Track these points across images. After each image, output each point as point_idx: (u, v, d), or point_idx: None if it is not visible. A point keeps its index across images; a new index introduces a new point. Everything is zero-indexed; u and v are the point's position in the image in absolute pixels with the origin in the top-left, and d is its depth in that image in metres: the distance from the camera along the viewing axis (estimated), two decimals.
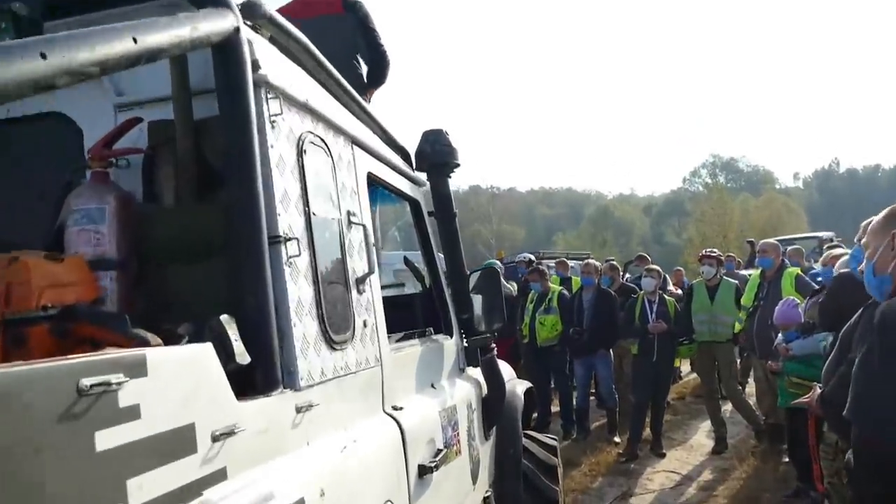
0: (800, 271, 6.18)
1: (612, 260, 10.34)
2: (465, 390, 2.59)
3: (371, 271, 1.81)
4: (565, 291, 8.01)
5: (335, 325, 1.57)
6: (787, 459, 6.09)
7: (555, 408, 8.11)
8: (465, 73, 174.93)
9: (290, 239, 1.41)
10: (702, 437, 7.50)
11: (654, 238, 76.23)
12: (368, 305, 1.81)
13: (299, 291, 1.43)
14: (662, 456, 6.74)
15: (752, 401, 7.53)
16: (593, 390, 8.32)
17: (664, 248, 64.28)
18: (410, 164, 2.65)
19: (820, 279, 5.55)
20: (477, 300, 2.76)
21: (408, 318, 2.79)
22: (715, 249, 7.16)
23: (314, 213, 1.55)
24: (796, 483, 5.27)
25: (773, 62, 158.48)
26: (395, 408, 1.88)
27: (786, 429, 5.54)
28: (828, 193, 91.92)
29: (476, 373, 2.84)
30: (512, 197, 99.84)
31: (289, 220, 1.43)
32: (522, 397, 3.18)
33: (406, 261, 3.08)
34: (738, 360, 7.27)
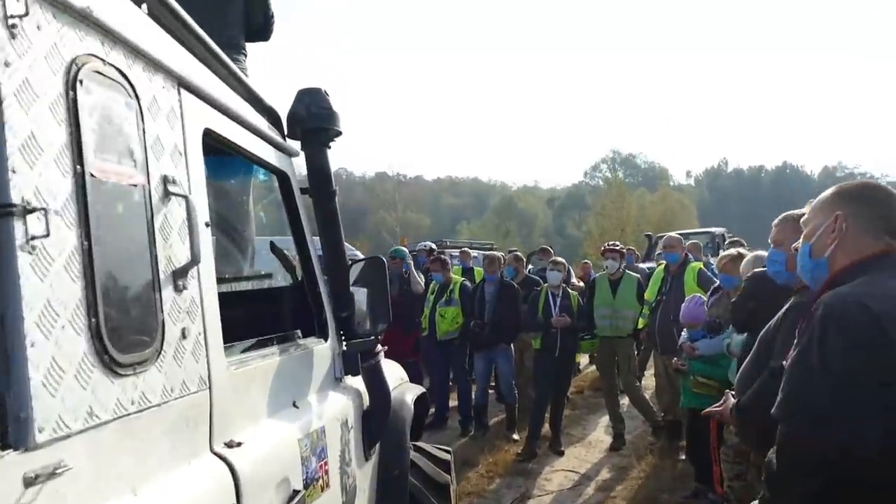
0: (702, 266, 6.08)
1: (516, 251, 10.12)
2: (339, 406, 2.13)
3: (195, 261, 1.30)
4: (467, 282, 7.67)
5: (124, 340, 1.07)
6: (684, 457, 6.00)
7: (453, 402, 7.78)
8: (376, 58, 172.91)
9: (32, 210, 0.90)
10: (600, 432, 7.36)
11: (555, 230, 78.10)
12: (192, 308, 1.32)
13: (50, 291, 0.92)
14: (561, 454, 6.53)
15: (648, 394, 7.48)
16: (493, 384, 8.08)
17: (566, 241, 65.89)
18: (281, 130, 2.15)
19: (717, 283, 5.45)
20: (363, 296, 2.31)
21: (271, 318, 2.30)
22: (617, 243, 6.99)
23: (92, 175, 1.04)
24: (695, 484, 5.14)
25: (671, 65, 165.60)
26: (229, 444, 1.39)
27: (686, 428, 5.41)
28: (716, 191, 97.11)
29: (357, 382, 2.39)
30: (418, 185, 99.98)
31: (35, 182, 0.92)
32: (412, 406, 2.76)
33: (273, 247, 2.55)
34: (637, 355, 7.16)
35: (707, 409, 2.95)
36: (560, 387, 6.66)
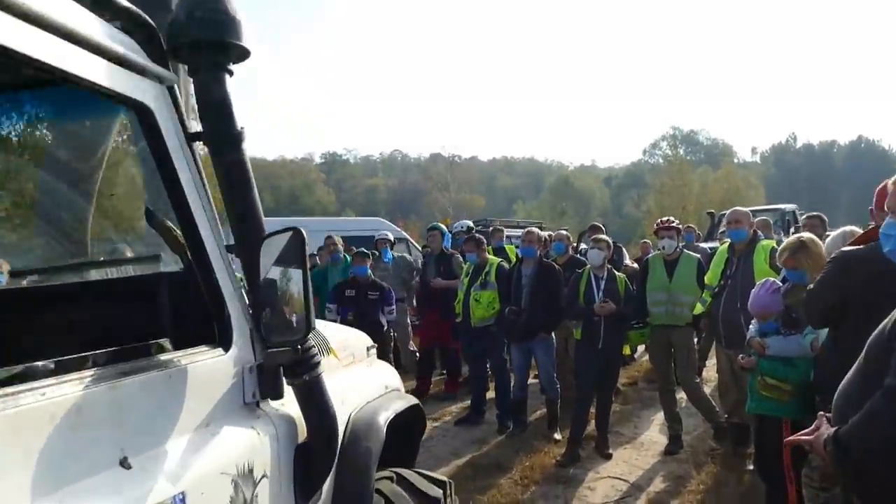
0: (775, 244, 5.18)
1: (566, 229, 9.32)
2: (235, 449, 1.45)
3: None
4: (505, 264, 6.94)
5: None
6: (752, 467, 5.16)
7: (491, 394, 7.09)
8: (430, 40, 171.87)
9: None
10: (654, 432, 6.56)
11: (613, 209, 76.22)
12: None
13: None
14: (608, 457, 5.77)
15: (708, 390, 6.62)
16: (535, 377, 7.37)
17: (623, 220, 64.19)
18: (155, 45, 1.48)
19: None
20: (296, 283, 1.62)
21: (131, 321, 1.65)
22: (673, 218, 6.12)
23: None
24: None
25: (735, 38, 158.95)
26: None
27: (753, 436, 4.58)
28: (784, 168, 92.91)
29: (289, 406, 1.71)
30: (473, 166, 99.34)
31: None
32: (383, 428, 2.06)
33: (150, 217, 1.83)
34: (696, 347, 6.30)
35: (793, 437, 2.18)
36: (606, 382, 5.88)
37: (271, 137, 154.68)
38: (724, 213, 17.56)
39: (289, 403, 1.69)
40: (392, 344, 8.86)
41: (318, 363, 1.65)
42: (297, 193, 79.69)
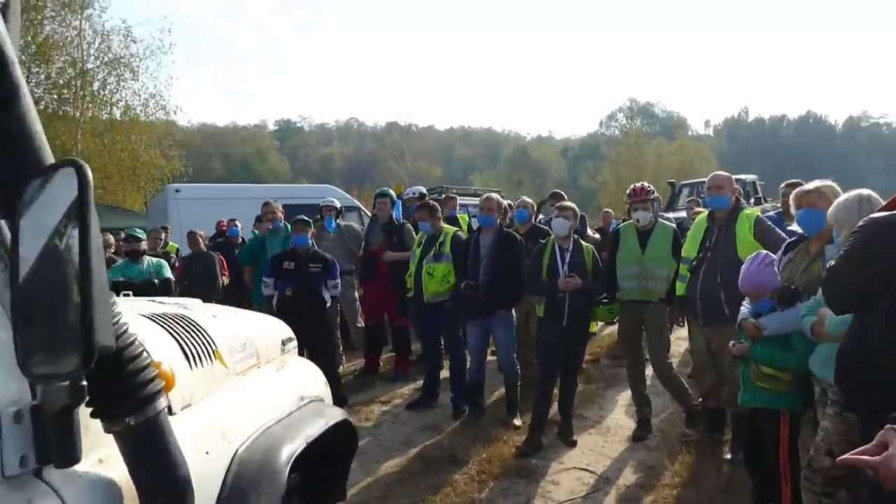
0: (759, 212, 4.67)
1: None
2: None
3: None
4: (461, 233, 6.32)
5: None
6: (729, 457, 4.72)
7: (445, 374, 6.51)
8: (388, 8, 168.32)
9: None
10: (620, 414, 6.09)
11: (569, 181, 76.22)
12: None
13: None
14: (573, 444, 5.27)
15: (677, 365, 6.16)
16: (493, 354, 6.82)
17: (580, 192, 64.21)
18: None
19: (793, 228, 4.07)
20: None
21: None
22: (649, 185, 5.55)
23: None
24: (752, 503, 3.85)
25: (692, 12, 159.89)
26: None
27: (741, 427, 4.12)
28: (736, 141, 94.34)
29: (106, 465, 1.06)
30: (430, 135, 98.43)
31: None
32: (285, 470, 1.43)
33: None
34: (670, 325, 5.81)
35: (849, 457, 1.61)
36: (570, 363, 5.36)
37: (223, 103, 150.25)
38: (687, 184, 17.33)
39: (110, 460, 1.04)
40: (339, 319, 8.22)
41: (155, 395, 1.00)
42: (250, 161, 77.95)
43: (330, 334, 6.23)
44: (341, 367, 8.04)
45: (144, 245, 6.77)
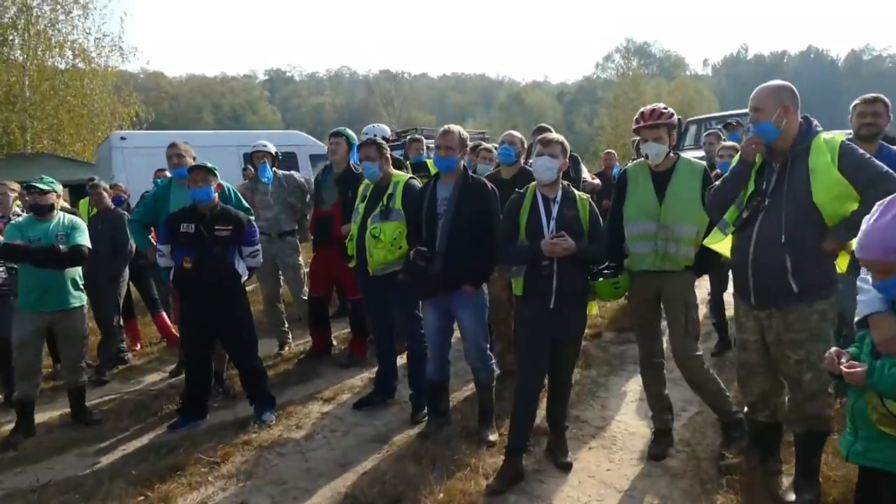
0: (843, 137, 3.11)
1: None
2: None
3: None
4: (416, 181, 4.77)
5: None
6: (792, 498, 3.28)
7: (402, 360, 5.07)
8: None
9: None
10: (630, 416, 4.65)
11: (566, 125, 74.12)
12: None
13: None
14: (567, 467, 3.85)
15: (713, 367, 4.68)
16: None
17: (576, 137, 62.32)
18: None
19: None
20: None
21: None
22: (665, 106, 3.96)
23: None
24: None
25: None
26: None
27: (856, 493, 2.67)
28: (736, 80, 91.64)
29: None
30: (423, 83, 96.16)
31: None
32: None
33: None
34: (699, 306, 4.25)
35: None
36: (561, 360, 3.87)
37: (212, 53, 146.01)
38: (694, 120, 15.64)
39: None
40: (279, 291, 6.75)
41: None
42: (240, 112, 76.67)
43: (244, 318, 4.73)
44: (287, 348, 6.61)
45: (56, 199, 5.08)
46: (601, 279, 3.77)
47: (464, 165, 4.18)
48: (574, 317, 3.78)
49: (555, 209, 3.67)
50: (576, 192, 3.82)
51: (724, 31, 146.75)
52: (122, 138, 12.86)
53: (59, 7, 17.92)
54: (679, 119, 10.62)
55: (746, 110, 3.34)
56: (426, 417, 4.54)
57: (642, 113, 3.87)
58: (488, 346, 4.26)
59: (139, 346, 7.30)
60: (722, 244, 3.40)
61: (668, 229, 3.73)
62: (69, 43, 18.13)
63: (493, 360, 4.29)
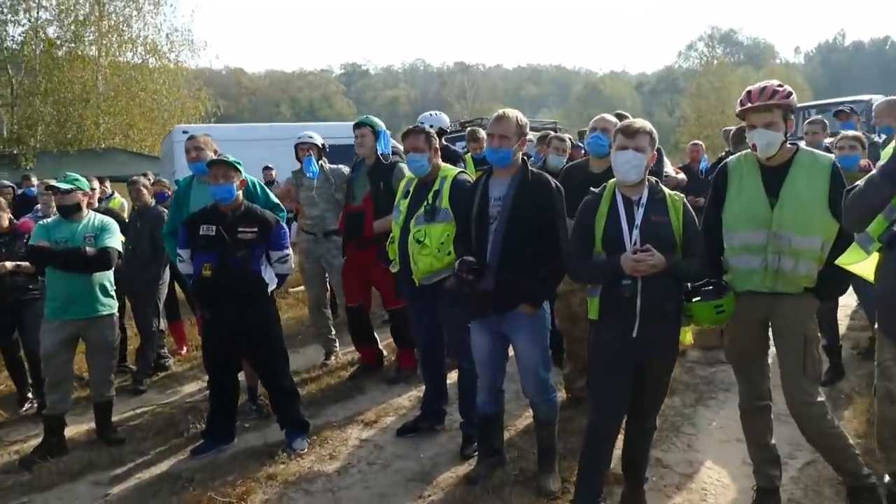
0: None
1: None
2: None
3: None
4: (468, 176, 4.08)
5: None
6: None
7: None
8: None
9: None
10: (724, 460, 3.83)
11: (645, 117, 71.32)
12: None
13: None
14: None
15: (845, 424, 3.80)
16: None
17: (656, 128, 59.94)
18: None
19: None
20: None
21: None
22: (779, 82, 3.11)
23: None
24: None
25: None
26: None
27: None
28: (831, 68, 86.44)
29: None
30: (498, 74, 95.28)
31: None
32: None
33: None
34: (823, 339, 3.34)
35: None
36: (645, 399, 3.11)
37: (290, 49, 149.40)
38: (802, 106, 14.31)
39: None
40: (330, 296, 6.21)
41: None
42: (316, 106, 78.13)
43: (272, 332, 4.17)
44: (334, 358, 6.07)
45: (83, 198, 4.67)
46: (699, 300, 2.99)
47: (523, 158, 3.45)
48: (663, 347, 3.01)
49: (639, 214, 2.92)
50: (666, 190, 3.05)
51: (818, 16, 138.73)
52: (185, 132, 12.69)
53: (131, 3, 18.09)
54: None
55: (849, 98, 2.50)
56: (474, 454, 3.86)
57: (749, 92, 3.06)
58: (550, 374, 3.53)
59: (185, 349, 6.91)
60: (862, 265, 2.58)
61: (784, 240, 2.91)
62: (141, 38, 18.30)
63: (556, 394, 3.55)
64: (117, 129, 17.48)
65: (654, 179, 3.07)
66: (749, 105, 3.00)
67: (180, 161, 12.12)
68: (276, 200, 4.76)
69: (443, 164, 4.15)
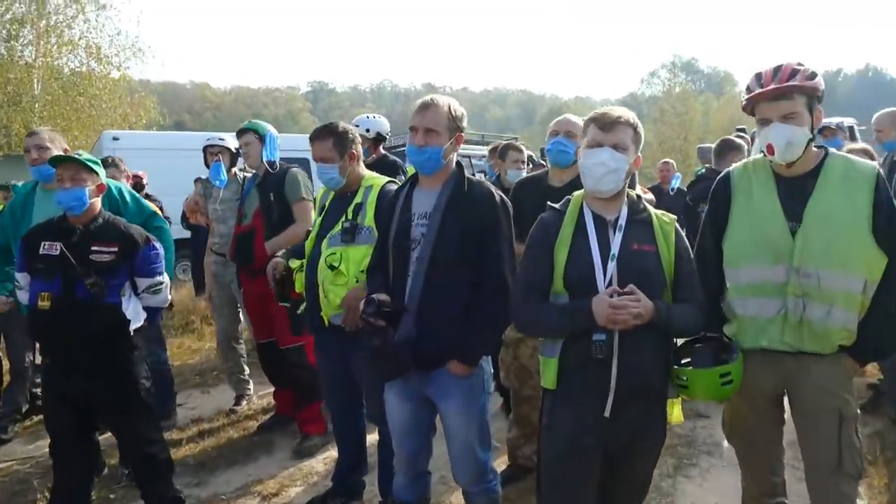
0: None
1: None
2: None
3: None
4: (393, 184, 3.19)
5: None
6: None
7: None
8: None
9: None
10: None
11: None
12: None
13: None
14: None
15: None
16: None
17: None
18: None
19: None
20: None
21: None
22: (799, 61, 2.32)
23: None
24: None
25: None
26: None
27: None
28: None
29: None
30: (464, 97, 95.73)
31: None
32: None
33: None
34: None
35: None
36: (617, 496, 2.23)
37: (256, 65, 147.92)
38: (756, 132, 13.90)
39: None
40: (238, 327, 5.26)
41: None
42: (281, 122, 77.47)
43: (132, 386, 3.17)
44: (245, 403, 5.09)
45: None
46: (694, 368, 2.14)
47: (458, 163, 2.58)
48: (647, 418, 2.14)
49: (616, 240, 2.07)
50: (651, 209, 2.21)
51: (776, 47, 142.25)
52: (115, 138, 11.63)
53: (73, 3, 16.90)
54: (742, 129, 8.34)
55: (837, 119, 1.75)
56: None
57: (759, 75, 2.25)
58: (490, 454, 2.63)
59: None
60: None
61: (810, 278, 2.10)
62: (84, 42, 17.09)
63: (496, 481, 2.64)
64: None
65: (635, 193, 2.23)
66: (760, 91, 2.18)
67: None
68: (154, 210, 3.81)
69: (367, 173, 3.27)
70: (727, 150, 4.98)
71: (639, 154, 2.16)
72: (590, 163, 2.08)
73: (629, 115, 2.14)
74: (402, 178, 4.92)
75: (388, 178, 3.27)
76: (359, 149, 3.29)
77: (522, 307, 2.19)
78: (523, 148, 5.31)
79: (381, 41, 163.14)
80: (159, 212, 4.78)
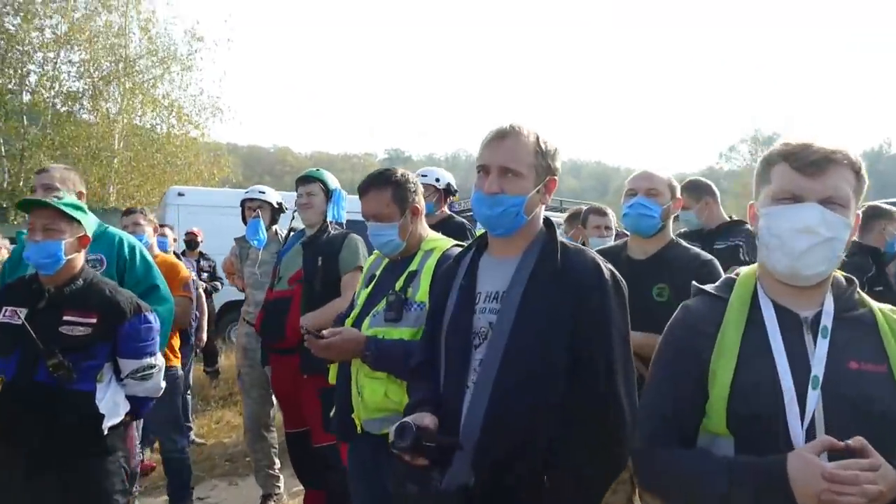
0: None
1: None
2: None
3: None
4: (458, 247, 2.39)
5: None
6: None
7: None
8: (497, 36, 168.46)
9: None
10: None
11: (685, 217, 70.16)
12: None
13: None
14: None
15: None
16: None
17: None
18: None
19: None
20: None
21: None
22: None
23: None
24: None
25: (819, 34, 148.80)
26: None
27: None
28: (877, 176, 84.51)
29: None
30: None
31: None
32: None
33: None
34: None
35: None
36: None
37: (336, 133, 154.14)
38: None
39: None
40: (269, 413, 4.50)
41: None
42: (355, 188, 79.85)
43: (102, 498, 2.41)
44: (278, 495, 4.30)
45: None
46: None
47: (548, 221, 1.77)
48: None
49: (818, 353, 1.22)
50: (868, 299, 1.33)
51: (863, 123, 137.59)
52: (180, 194, 11.42)
53: (159, 64, 17.43)
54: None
55: None
56: None
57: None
58: None
59: None
60: None
61: None
62: (167, 100, 17.53)
63: None
64: (124, 190, 16.43)
65: (842, 275, 1.36)
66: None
67: (173, 223, 10.77)
68: (160, 283, 3.11)
69: (430, 233, 2.50)
70: (874, 218, 3.98)
71: (858, 212, 1.31)
72: (783, 228, 1.24)
73: (845, 148, 1.30)
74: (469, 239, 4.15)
75: (454, 241, 2.49)
76: (422, 202, 2.53)
77: (650, 453, 1.32)
78: (608, 211, 4.47)
79: (458, 112, 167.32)
80: (190, 277, 4.16)
